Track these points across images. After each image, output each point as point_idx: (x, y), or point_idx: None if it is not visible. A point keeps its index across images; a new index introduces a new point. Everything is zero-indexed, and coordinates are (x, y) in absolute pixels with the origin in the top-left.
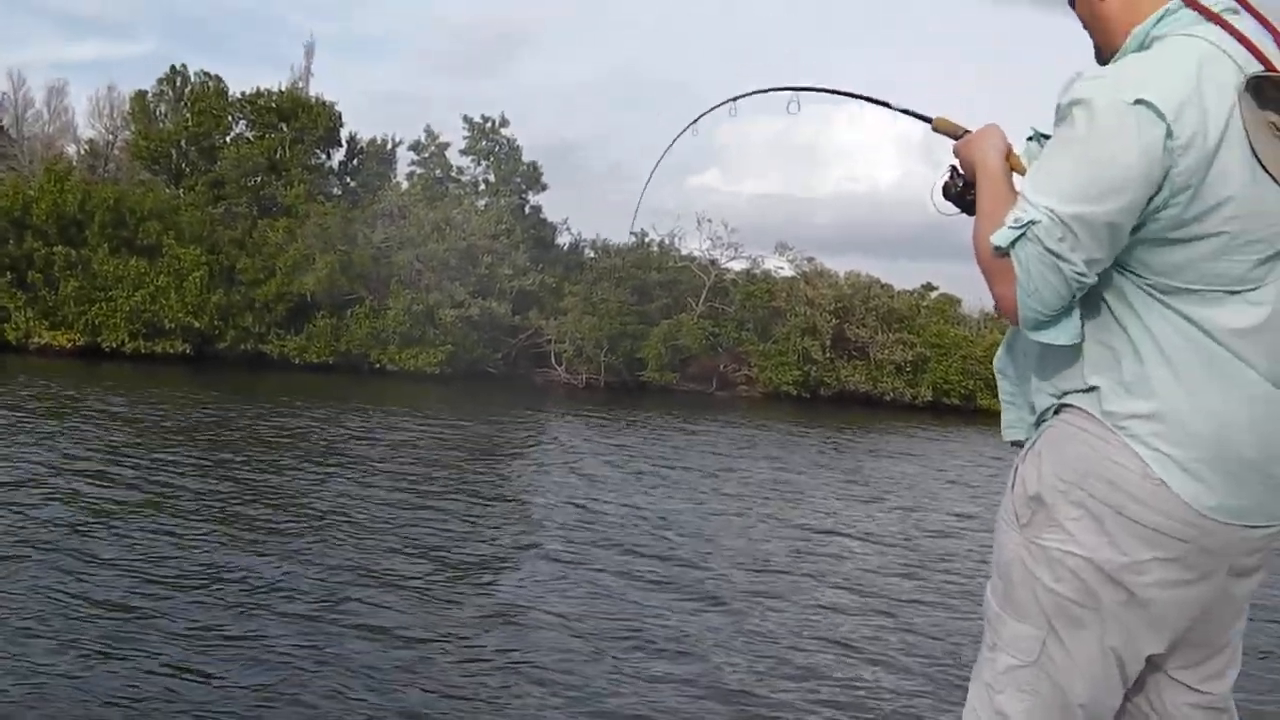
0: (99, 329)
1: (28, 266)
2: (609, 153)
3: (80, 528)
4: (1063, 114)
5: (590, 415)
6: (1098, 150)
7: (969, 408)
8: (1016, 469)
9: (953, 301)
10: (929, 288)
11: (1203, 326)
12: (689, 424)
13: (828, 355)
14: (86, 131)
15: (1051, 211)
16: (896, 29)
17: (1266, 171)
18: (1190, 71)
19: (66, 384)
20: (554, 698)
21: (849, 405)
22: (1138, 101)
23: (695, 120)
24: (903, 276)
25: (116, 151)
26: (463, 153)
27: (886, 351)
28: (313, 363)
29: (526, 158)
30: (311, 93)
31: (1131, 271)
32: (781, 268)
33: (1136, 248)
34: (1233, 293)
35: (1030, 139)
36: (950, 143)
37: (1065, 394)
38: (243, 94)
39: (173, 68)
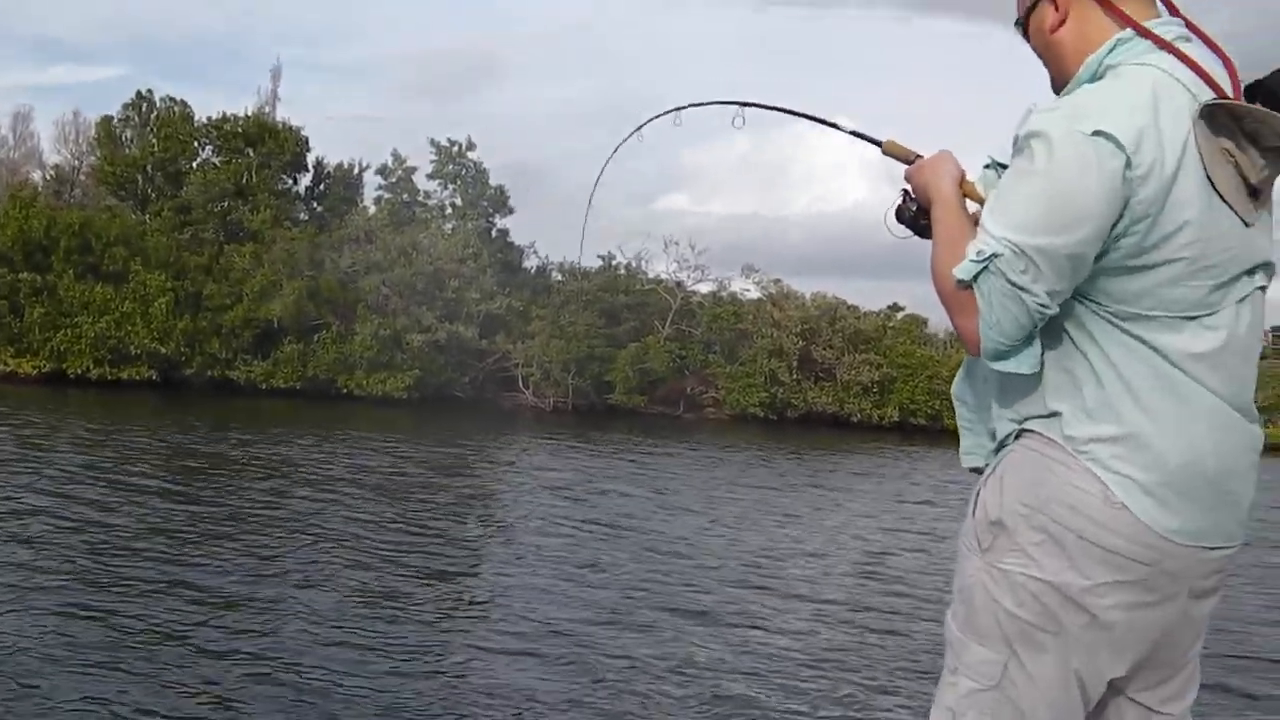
0: (64, 355)
1: None
2: (576, 176)
3: (45, 554)
4: (1020, 146)
5: (558, 439)
6: (1058, 182)
7: (936, 428)
8: (977, 494)
9: (919, 322)
10: (895, 308)
11: (1162, 352)
12: (657, 447)
13: (794, 377)
14: (52, 157)
15: (1013, 244)
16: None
17: (1221, 197)
18: (1146, 100)
19: (32, 411)
20: (525, 715)
21: (816, 426)
22: (1096, 133)
23: (639, 128)
24: (869, 297)
25: (82, 177)
26: (429, 177)
27: (853, 372)
28: (280, 388)
29: (494, 181)
30: (278, 117)
31: (1091, 300)
32: (748, 290)
33: (1096, 276)
34: (1190, 318)
35: (987, 167)
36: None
37: (1026, 419)
38: (209, 119)
39: (139, 93)
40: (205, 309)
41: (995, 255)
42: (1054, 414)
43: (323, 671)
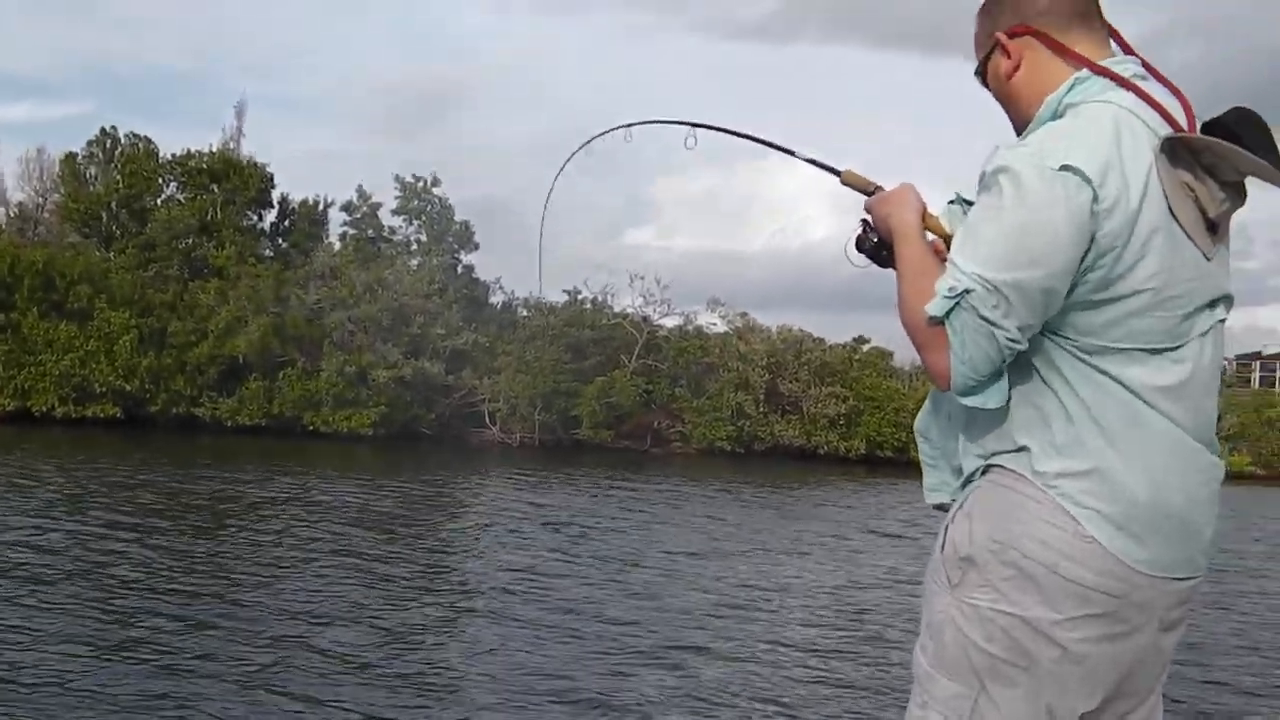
0: (29, 393)
1: None
2: (541, 210)
3: (5, 594)
4: (988, 182)
5: (525, 475)
6: (1026, 217)
7: (903, 460)
8: (946, 529)
9: (885, 354)
10: (861, 340)
11: (1129, 385)
12: (624, 483)
13: (761, 410)
14: (16, 194)
15: (984, 279)
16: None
17: (1183, 229)
18: (1109, 135)
19: None
20: None
21: (783, 460)
22: (1063, 167)
23: (589, 141)
24: (835, 329)
25: (46, 214)
26: (395, 212)
27: (820, 405)
28: (245, 425)
29: (460, 216)
30: (243, 153)
31: (1058, 334)
32: (714, 323)
33: (1064, 311)
34: (1156, 351)
35: (952, 202)
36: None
37: (994, 455)
38: (173, 155)
39: (103, 130)
40: (170, 346)
41: (967, 291)
42: (1022, 449)
43: (286, 714)
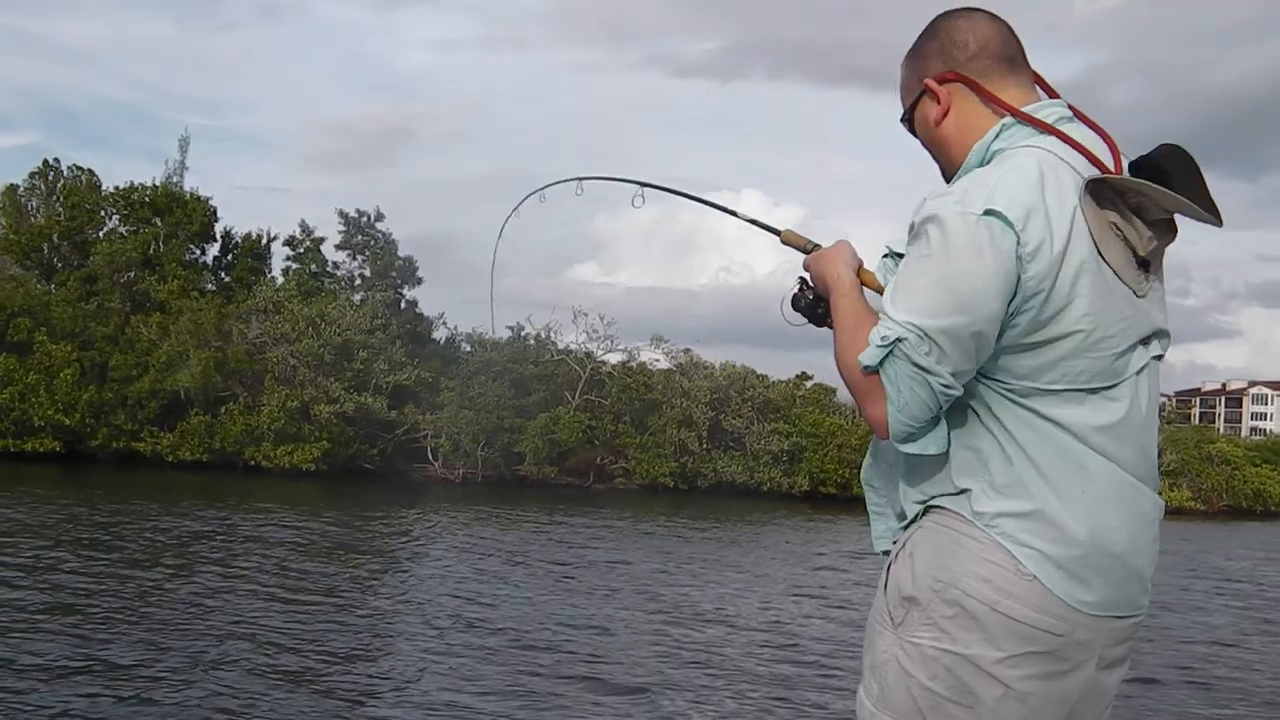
0: None
1: None
2: (489, 246)
3: None
4: (916, 232)
5: (467, 512)
6: (954, 264)
7: (846, 496)
8: (888, 569)
9: (828, 391)
10: (804, 377)
11: (1065, 427)
12: (567, 519)
13: (704, 446)
14: None
15: (916, 327)
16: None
17: (1112, 270)
18: (1033, 179)
19: None
20: None
21: (726, 496)
22: (987, 212)
23: (541, 189)
24: (778, 365)
25: None
26: (338, 247)
27: (763, 441)
28: (186, 460)
29: (403, 252)
30: (186, 186)
31: (993, 378)
32: (658, 360)
33: (996, 355)
34: (1092, 391)
35: (885, 256)
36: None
37: (934, 497)
38: (116, 188)
39: (45, 161)
40: (111, 380)
41: (900, 339)
42: (963, 491)
43: None
